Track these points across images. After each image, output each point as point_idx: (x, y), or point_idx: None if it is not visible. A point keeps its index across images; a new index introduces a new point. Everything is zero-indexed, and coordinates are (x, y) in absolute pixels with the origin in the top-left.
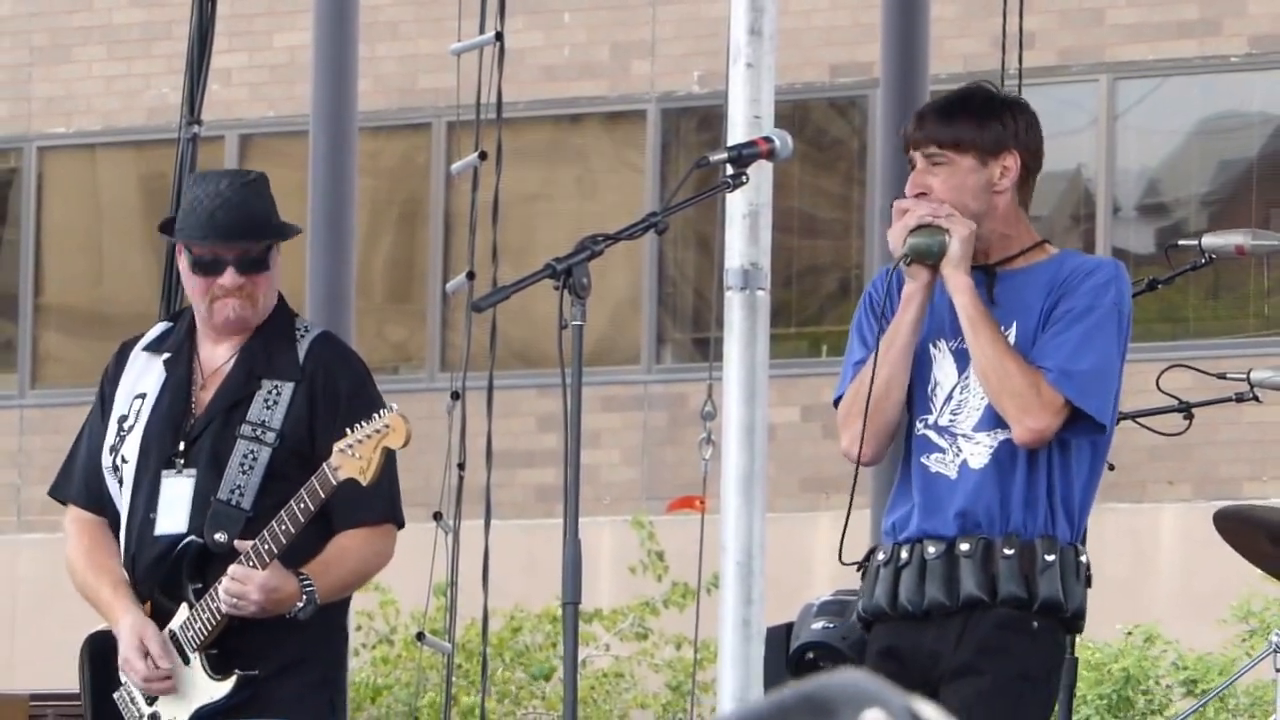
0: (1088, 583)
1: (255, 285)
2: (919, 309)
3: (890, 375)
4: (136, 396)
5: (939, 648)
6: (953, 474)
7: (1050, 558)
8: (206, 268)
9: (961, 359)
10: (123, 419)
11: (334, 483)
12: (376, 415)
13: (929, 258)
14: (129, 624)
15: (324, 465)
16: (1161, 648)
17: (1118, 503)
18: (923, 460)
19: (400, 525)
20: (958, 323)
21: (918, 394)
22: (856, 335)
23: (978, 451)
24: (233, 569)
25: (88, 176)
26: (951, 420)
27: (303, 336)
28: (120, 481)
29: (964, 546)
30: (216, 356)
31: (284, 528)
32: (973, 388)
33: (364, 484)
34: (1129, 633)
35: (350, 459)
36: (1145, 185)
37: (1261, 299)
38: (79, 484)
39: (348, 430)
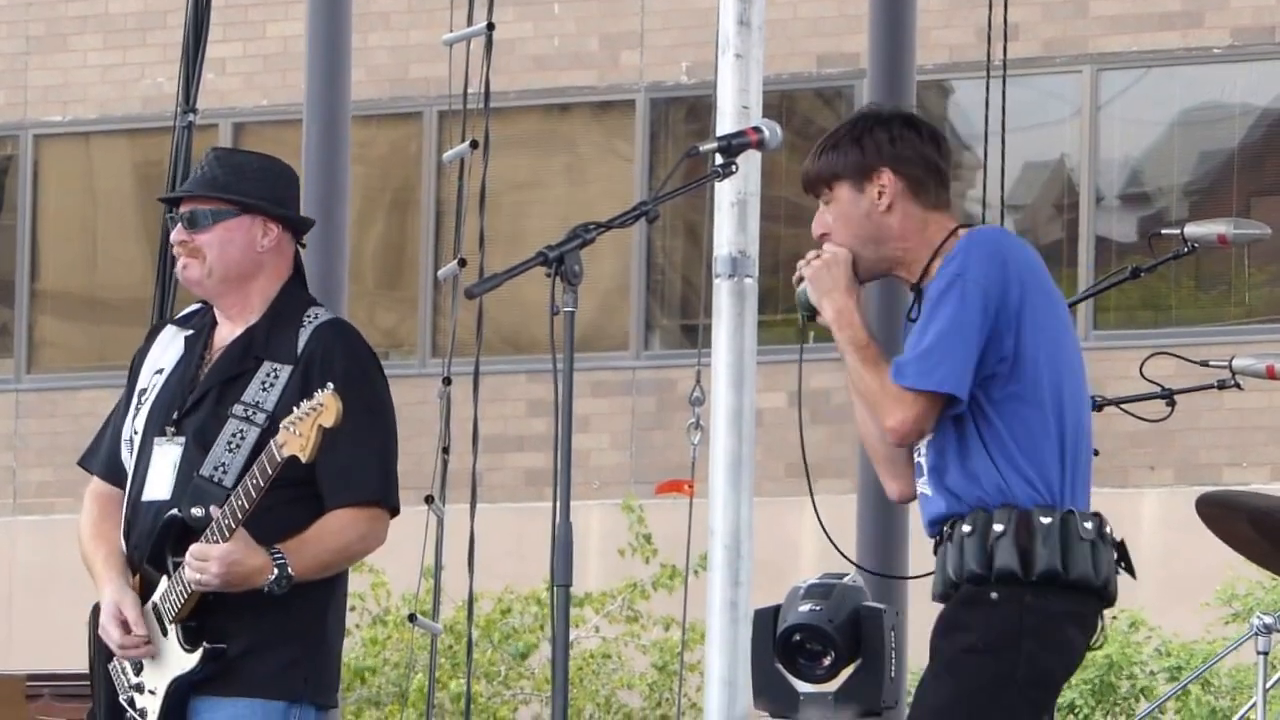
0: (1103, 541)
1: (195, 243)
2: (849, 355)
3: (864, 422)
4: (156, 371)
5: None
6: (929, 491)
7: (999, 527)
8: (173, 224)
9: None
10: (142, 393)
11: (279, 459)
12: (316, 393)
13: (811, 309)
14: (109, 594)
15: (270, 442)
16: (1146, 634)
17: (1099, 487)
18: (918, 483)
19: (394, 511)
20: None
21: None
22: None
23: (926, 460)
24: (193, 547)
25: (83, 164)
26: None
27: (309, 322)
28: (130, 453)
29: (946, 531)
30: (226, 336)
31: (240, 503)
32: None
33: (304, 460)
34: (1114, 617)
35: (293, 436)
36: (1128, 175)
37: (1244, 287)
38: (102, 456)
39: (294, 407)
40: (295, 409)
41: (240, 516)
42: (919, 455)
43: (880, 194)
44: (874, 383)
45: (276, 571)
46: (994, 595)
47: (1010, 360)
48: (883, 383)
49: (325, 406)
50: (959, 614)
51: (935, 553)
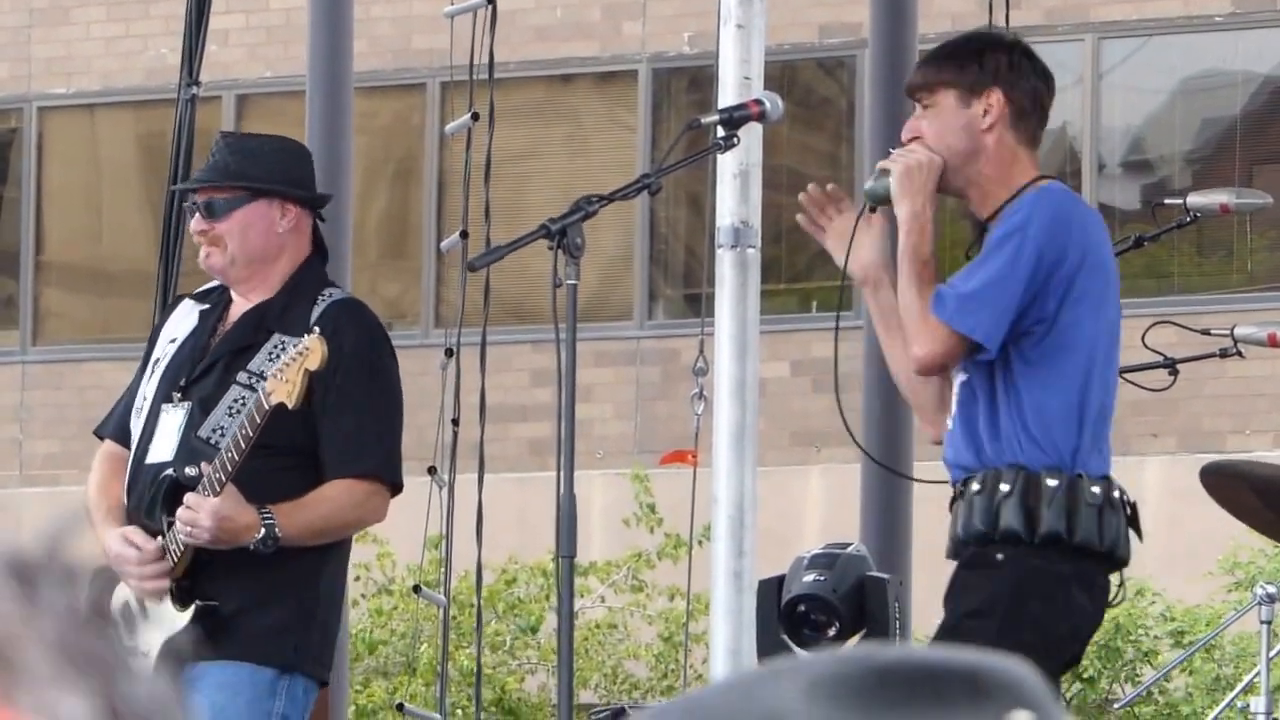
0: (1110, 505)
1: (216, 233)
2: (874, 300)
3: (896, 360)
4: (170, 341)
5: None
6: (953, 428)
7: (1006, 487)
8: (191, 213)
9: None
10: (156, 362)
11: (267, 406)
12: (302, 338)
13: (881, 200)
14: (114, 534)
15: (258, 390)
16: (1151, 599)
17: None
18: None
19: (395, 487)
20: None
21: None
22: None
23: (954, 401)
24: (188, 497)
25: (87, 136)
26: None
27: (324, 299)
28: (139, 417)
29: (958, 489)
30: (242, 309)
31: (230, 455)
32: None
33: (290, 406)
34: (1120, 584)
35: (280, 383)
36: (1130, 143)
37: (1245, 253)
38: (114, 421)
39: (280, 355)
40: (281, 355)
41: (230, 469)
42: (952, 393)
43: (986, 112)
44: (917, 302)
45: (263, 530)
46: (999, 557)
47: (1049, 323)
48: (924, 308)
49: (310, 350)
50: (965, 576)
51: (951, 506)
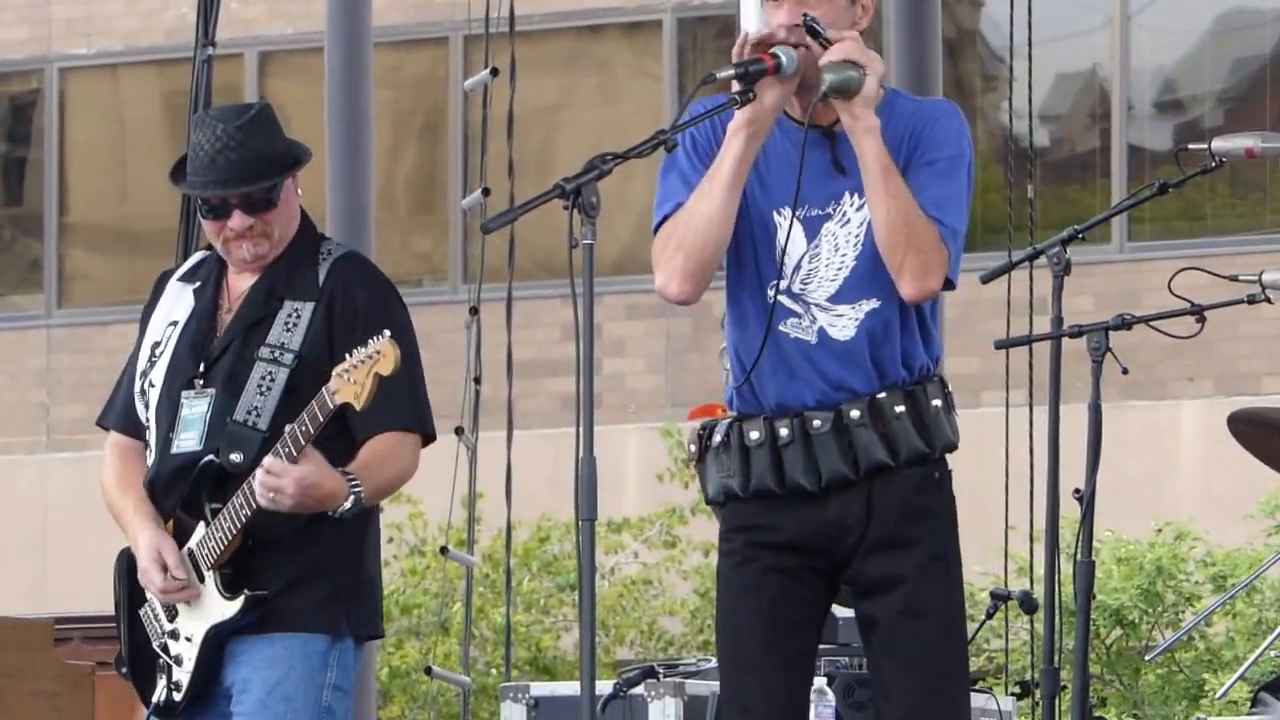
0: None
1: (266, 223)
2: (757, 141)
3: (715, 210)
4: (169, 324)
5: (845, 520)
6: (811, 339)
7: (937, 402)
8: (215, 212)
9: (811, 227)
10: (156, 345)
11: (331, 407)
12: (372, 340)
13: (846, 95)
14: (147, 540)
15: (323, 389)
16: (1191, 543)
17: (1138, 400)
18: (780, 328)
19: (430, 438)
20: (809, 191)
21: (764, 259)
22: (676, 178)
23: (839, 324)
24: (266, 460)
25: (110, 96)
26: (803, 289)
27: (326, 257)
28: (147, 405)
29: (854, 414)
30: (242, 281)
31: (287, 451)
32: (823, 258)
33: (358, 409)
34: (1159, 529)
35: (347, 384)
36: (1160, 84)
37: (1279, 194)
38: (119, 411)
39: (346, 355)
40: (349, 356)
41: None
42: (808, 308)
43: (863, 13)
44: (926, 234)
45: (352, 498)
46: (936, 475)
47: None
48: (936, 241)
49: (383, 355)
50: (917, 502)
51: (804, 434)
